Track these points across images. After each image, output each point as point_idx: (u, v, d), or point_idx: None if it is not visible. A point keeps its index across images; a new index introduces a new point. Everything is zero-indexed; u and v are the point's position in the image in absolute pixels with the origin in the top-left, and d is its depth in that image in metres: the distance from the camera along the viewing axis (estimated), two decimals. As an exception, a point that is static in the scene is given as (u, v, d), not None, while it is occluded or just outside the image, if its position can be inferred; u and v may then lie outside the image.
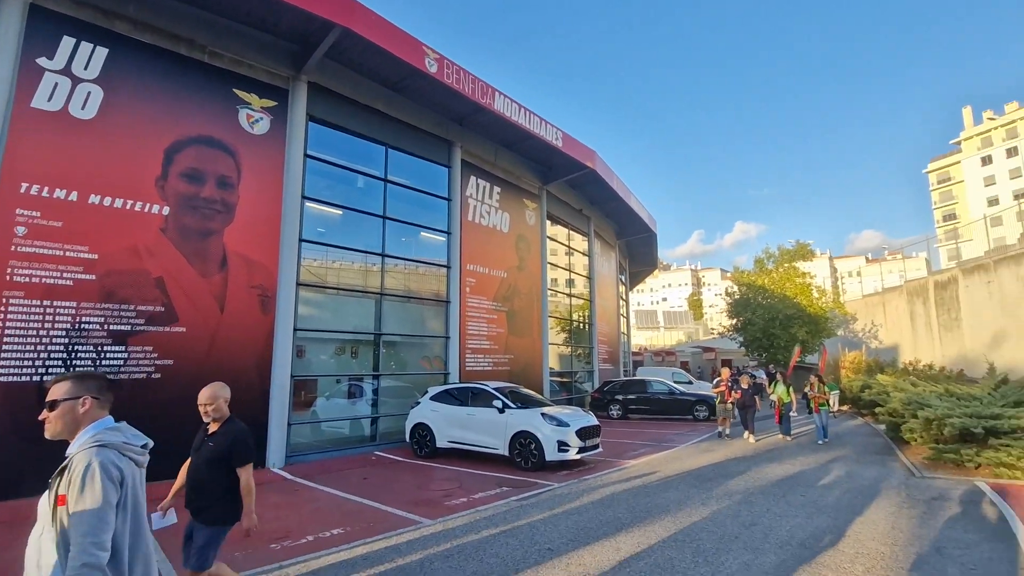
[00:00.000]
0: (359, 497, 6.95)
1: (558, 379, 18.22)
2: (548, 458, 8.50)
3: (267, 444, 8.93)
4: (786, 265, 29.62)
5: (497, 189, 15.09)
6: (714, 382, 12.53)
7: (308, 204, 10.33)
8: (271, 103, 9.77)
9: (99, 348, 7.49)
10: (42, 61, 7.48)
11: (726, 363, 26.49)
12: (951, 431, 8.47)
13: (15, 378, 6.89)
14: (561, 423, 8.77)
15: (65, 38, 7.68)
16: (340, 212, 11.34)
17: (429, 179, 13.16)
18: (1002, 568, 4.40)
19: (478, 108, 12.54)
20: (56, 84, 7.55)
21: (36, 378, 6.99)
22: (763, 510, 6.21)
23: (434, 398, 10.28)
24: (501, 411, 9.15)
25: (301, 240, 10.00)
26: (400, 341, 12.45)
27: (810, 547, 4.93)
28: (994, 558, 4.62)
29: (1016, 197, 52.26)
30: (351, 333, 11.43)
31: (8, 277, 6.94)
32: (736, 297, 29.23)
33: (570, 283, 19.90)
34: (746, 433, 12.01)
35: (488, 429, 9.26)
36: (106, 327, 7.58)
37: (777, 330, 26.14)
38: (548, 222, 17.64)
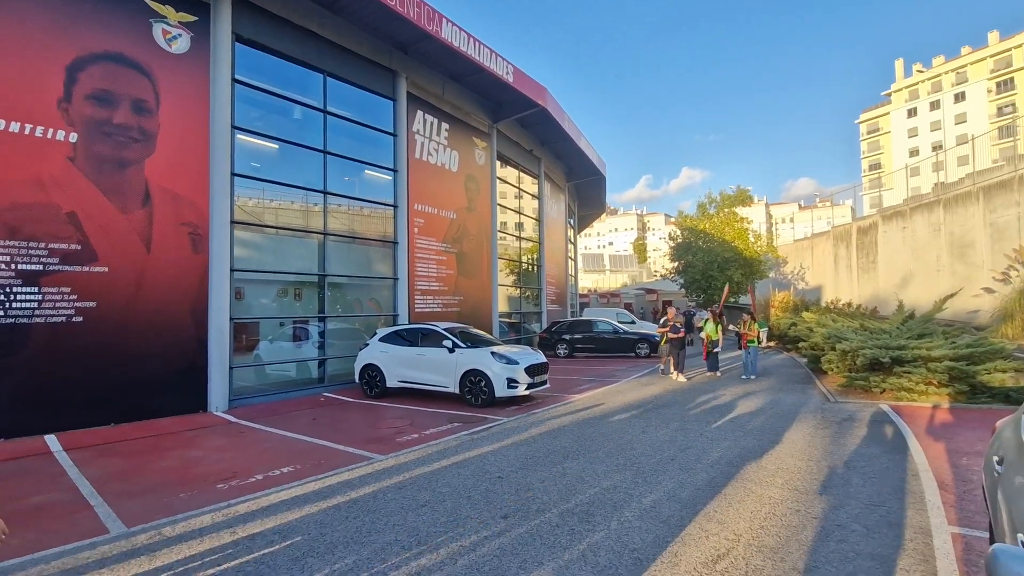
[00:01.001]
0: (309, 437, 6.92)
1: (507, 320, 18.49)
2: (498, 394, 8.71)
3: (207, 387, 8.62)
4: (726, 211, 30.71)
5: (445, 126, 14.50)
6: (660, 321, 12.88)
7: (239, 136, 9.55)
8: (190, 17, 8.73)
9: (7, 289, 6.83)
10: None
11: (667, 303, 27.67)
12: (863, 361, 9.32)
13: (-92, 323, 6.20)
14: (510, 361, 8.96)
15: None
16: (276, 146, 10.56)
17: (373, 112, 12.42)
18: (897, 475, 4.99)
19: (423, 35, 11.74)
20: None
21: (-66, 322, 6.33)
22: (696, 435, 6.69)
23: (383, 339, 10.20)
24: (451, 351, 9.22)
25: (233, 175, 9.30)
26: (346, 283, 12.11)
27: (737, 465, 5.38)
28: (891, 467, 5.23)
29: (934, 149, 55.84)
30: (294, 274, 10.98)
31: None
32: (679, 241, 30.19)
33: (519, 226, 19.83)
34: (674, 373, 11.99)
35: (438, 368, 9.34)
36: (13, 266, 6.88)
37: (715, 272, 27.40)
38: (498, 162, 17.25)
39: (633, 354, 16.97)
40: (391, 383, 9.80)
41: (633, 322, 22.17)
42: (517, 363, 8.97)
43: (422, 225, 13.44)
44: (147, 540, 3.81)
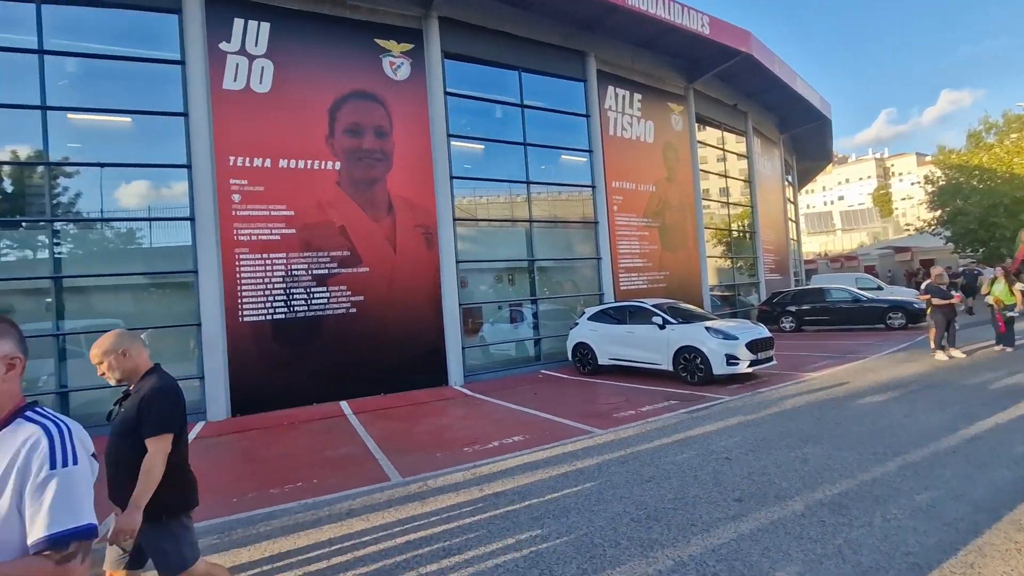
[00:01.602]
0: (533, 410, 7.52)
1: (719, 294, 17.22)
2: (716, 372, 8.21)
3: (447, 365, 10.01)
4: (1013, 137, 23.35)
5: (638, 96, 14.02)
6: (922, 286, 10.28)
7: (453, 143, 10.73)
8: (408, 46, 10.08)
9: (307, 290, 8.92)
10: (223, 45, 8.59)
11: (927, 263, 22.37)
12: None
13: (254, 318, 8.57)
14: (728, 336, 8.34)
15: (236, 20, 8.68)
16: (482, 147, 11.62)
17: (565, 97, 12.69)
18: None
19: (610, 8, 11.49)
20: (237, 64, 8.66)
21: (267, 317, 8.62)
22: (988, 424, 5.32)
23: (591, 318, 10.46)
24: (662, 327, 8.98)
25: (452, 178, 10.51)
26: (552, 266, 12.72)
27: (1063, 465, 4.13)
28: None
29: None
30: (506, 261, 11.98)
31: (235, 237, 8.49)
32: (941, 184, 24.12)
33: (724, 191, 18.17)
34: (939, 350, 9.33)
35: (649, 345, 9.20)
36: (310, 272, 8.96)
37: (1000, 218, 21.17)
38: (697, 125, 16.04)
39: (883, 326, 14.20)
40: (603, 361, 10.01)
41: (880, 288, 18.53)
42: (736, 338, 8.31)
43: (621, 202, 13.30)
44: (417, 489, 4.63)
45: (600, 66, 13.01)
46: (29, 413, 1.14)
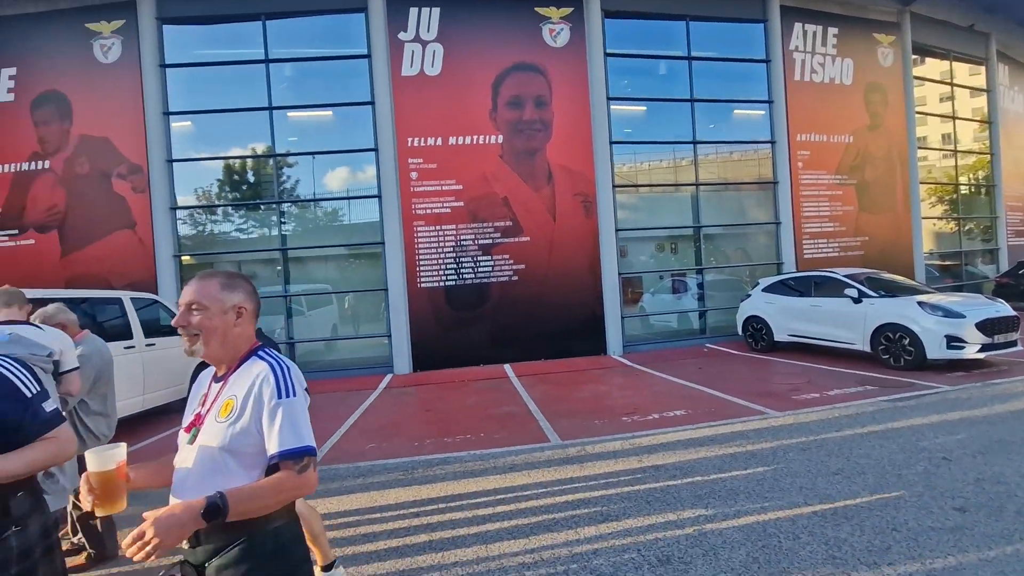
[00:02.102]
0: (696, 384, 7.13)
1: (938, 263, 14.23)
2: (930, 356, 6.85)
3: (605, 334, 9.97)
4: None
5: (833, 31, 11.92)
6: None
7: (613, 106, 10.36)
8: (568, 10, 9.90)
9: (474, 258, 9.54)
10: (401, 35, 9.38)
11: None
12: None
13: (429, 284, 9.47)
14: (950, 313, 6.87)
15: (411, 9, 9.39)
16: (644, 108, 11.05)
17: (740, 43, 11.35)
18: None
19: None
20: (412, 51, 9.40)
21: (440, 284, 9.46)
22: None
23: (767, 289, 9.45)
24: (857, 301, 7.74)
25: (612, 142, 10.20)
26: (721, 233, 11.72)
27: None
28: None
29: None
30: (668, 229, 11.36)
31: (413, 211, 9.40)
32: None
33: (950, 137, 14.70)
34: None
35: (839, 321, 8.02)
36: (476, 242, 9.55)
37: None
38: (915, 57, 13.14)
39: None
40: (779, 337, 9.02)
41: None
42: (962, 316, 6.80)
43: (807, 158, 11.60)
44: (576, 453, 4.73)
45: (784, 1, 11.31)
46: (261, 353, 1.41)
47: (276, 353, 1.42)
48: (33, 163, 9.35)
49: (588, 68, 9.96)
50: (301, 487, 1.25)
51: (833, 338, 8.18)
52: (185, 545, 1.26)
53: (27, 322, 3.04)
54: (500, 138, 9.63)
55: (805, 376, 7.25)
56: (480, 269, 9.57)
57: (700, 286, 11.23)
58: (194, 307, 1.33)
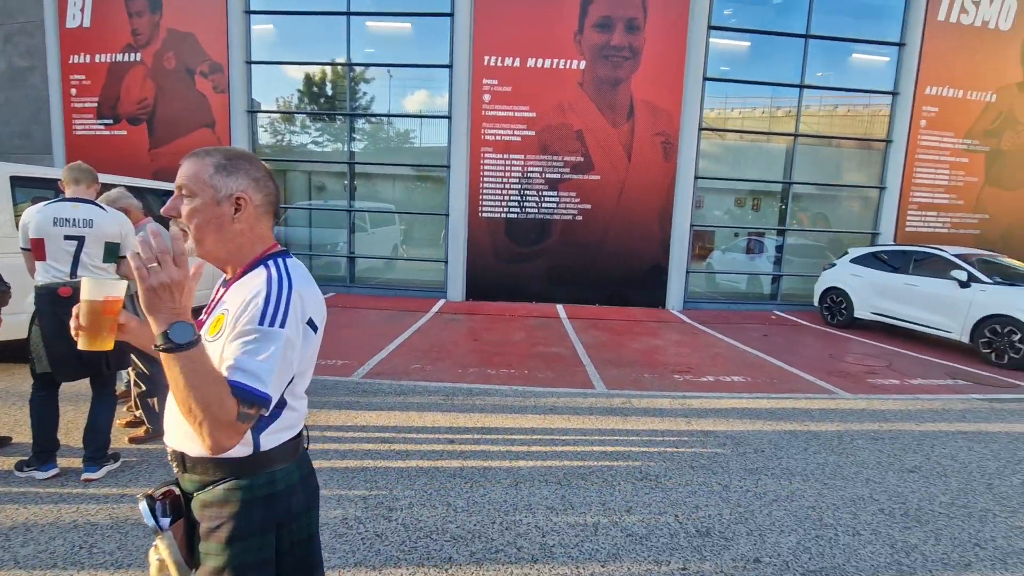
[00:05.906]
0: (759, 352, 6.66)
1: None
2: (1044, 357, 6.01)
3: (667, 287, 9.47)
4: None
5: (999, -39, 9.91)
6: None
7: (714, 38, 9.25)
8: (678, -81, 8.69)
9: (539, 192, 9.15)
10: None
11: None
12: None
13: (490, 214, 9.22)
14: (1080, 313, 5.92)
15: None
16: (747, 43, 9.78)
17: (878, -29, 9.69)
18: None
19: None
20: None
21: (502, 215, 9.19)
22: None
23: (855, 260, 8.55)
24: (964, 285, 6.83)
25: (705, 79, 9.21)
26: (813, 193, 10.59)
27: None
28: None
29: None
30: (753, 182, 10.39)
31: (483, 136, 9.02)
32: None
33: None
34: None
35: (937, 305, 7.15)
36: (543, 175, 9.12)
37: None
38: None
39: None
40: (860, 313, 8.23)
41: None
42: (1094, 319, 5.85)
43: (933, 115, 10.05)
44: (620, 404, 4.54)
45: (945, -80, 9.43)
46: (270, 262, 1.11)
47: (290, 267, 1.11)
48: (126, 55, 9.63)
49: (692, -11, 8.86)
50: (226, 430, 0.92)
51: (925, 323, 7.34)
52: (175, 468, 1.12)
53: (94, 202, 3.09)
54: (582, 64, 8.89)
55: (885, 359, 6.60)
56: (544, 204, 9.19)
57: (779, 248, 10.34)
58: (184, 192, 1.07)
